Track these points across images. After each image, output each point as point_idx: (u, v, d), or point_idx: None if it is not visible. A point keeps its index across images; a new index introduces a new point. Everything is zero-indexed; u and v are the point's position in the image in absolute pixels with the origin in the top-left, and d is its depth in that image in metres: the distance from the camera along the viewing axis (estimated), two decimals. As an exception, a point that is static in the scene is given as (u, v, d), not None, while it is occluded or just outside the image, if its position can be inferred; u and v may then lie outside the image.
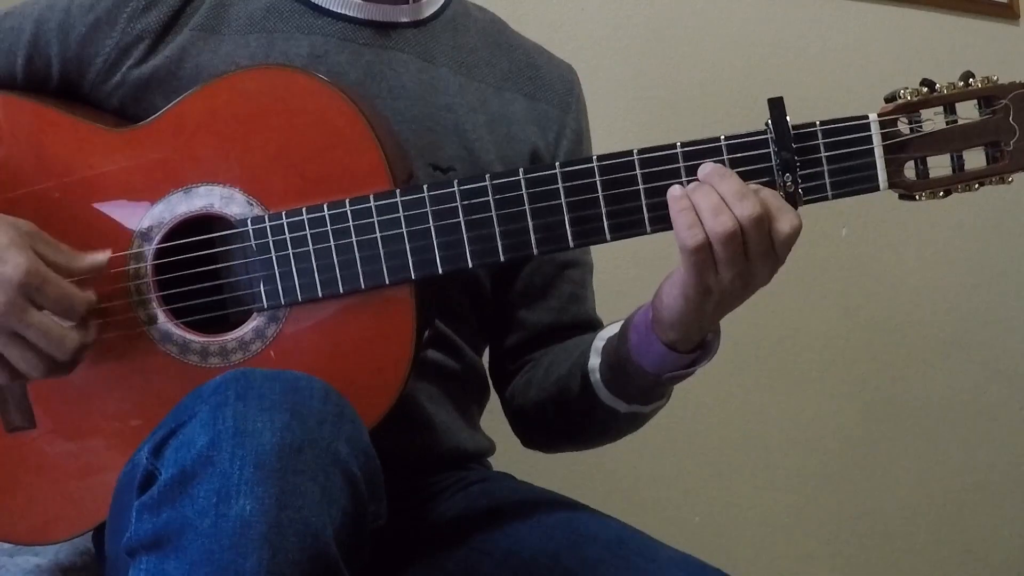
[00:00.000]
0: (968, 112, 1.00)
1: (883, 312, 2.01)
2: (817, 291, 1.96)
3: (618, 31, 1.83)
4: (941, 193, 1.00)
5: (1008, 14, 2.06)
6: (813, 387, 1.98)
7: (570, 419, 1.16)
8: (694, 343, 1.02)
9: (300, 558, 0.80)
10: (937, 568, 2.07)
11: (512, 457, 1.27)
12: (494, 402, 1.27)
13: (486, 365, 1.26)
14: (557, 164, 0.98)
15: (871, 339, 2.01)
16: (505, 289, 1.21)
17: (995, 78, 0.99)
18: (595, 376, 1.10)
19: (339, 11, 1.14)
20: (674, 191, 0.95)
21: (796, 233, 0.94)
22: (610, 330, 1.11)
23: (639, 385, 1.07)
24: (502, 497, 1.15)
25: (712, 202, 0.93)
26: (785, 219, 0.94)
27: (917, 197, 1.00)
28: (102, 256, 1.00)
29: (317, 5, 1.14)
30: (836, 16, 1.95)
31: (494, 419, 1.27)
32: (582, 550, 1.03)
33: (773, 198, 0.94)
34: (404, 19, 1.16)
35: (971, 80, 0.99)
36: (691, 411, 1.84)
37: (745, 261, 0.94)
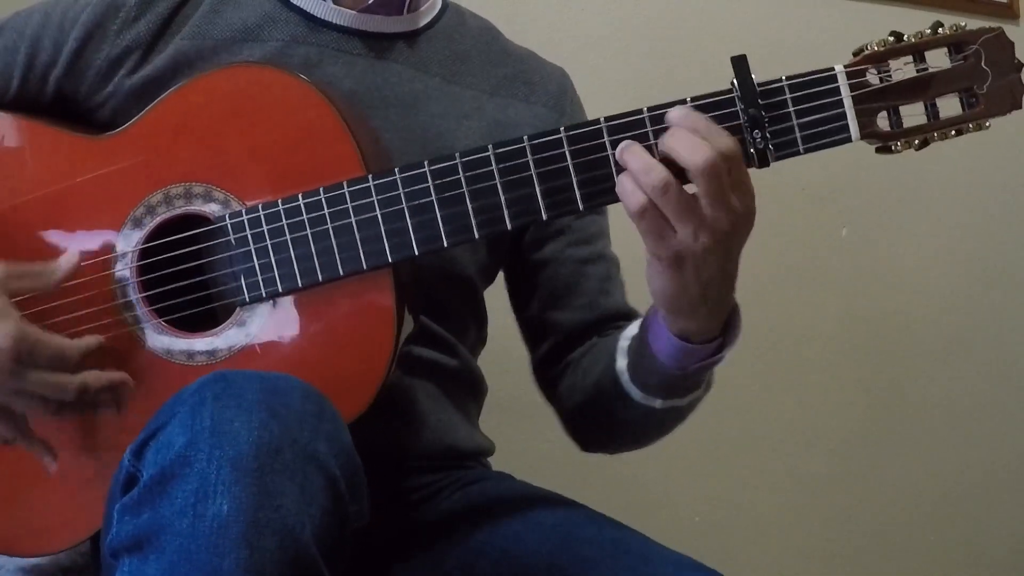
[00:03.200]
0: (939, 61, 0.99)
1: (883, 312, 2.01)
2: (817, 291, 1.96)
3: (618, 31, 1.85)
4: (917, 142, 0.99)
5: (1008, 14, 2.06)
6: (813, 387, 1.97)
7: (613, 420, 1.14)
8: (710, 333, 0.99)
9: (279, 558, 0.79)
10: (937, 568, 2.05)
11: (511, 457, 1.26)
12: (494, 403, 1.27)
13: (482, 366, 1.26)
14: (525, 137, 0.97)
15: (871, 339, 2.00)
16: (530, 297, 1.21)
17: (964, 24, 0.98)
18: (624, 377, 1.08)
19: (334, 22, 1.15)
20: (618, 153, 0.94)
21: (731, 156, 0.90)
22: (632, 329, 1.09)
23: (665, 380, 1.04)
24: (500, 497, 1.14)
25: (642, 162, 0.91)
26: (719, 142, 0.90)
27: (893, 148, 0.98)
28: (72, 258, 1.03)
29: (312, 15, 1.15)
30: (836, 16, 1.95)
31: (494, 419, 1.26)
32: (579, 552, 1.02)
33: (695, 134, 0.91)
34: (398, 30, 1.18)
35: (940, 28, 0.98)
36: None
37: (694, 209, 0.90)
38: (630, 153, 0.93)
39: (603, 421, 1.16)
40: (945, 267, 2.04)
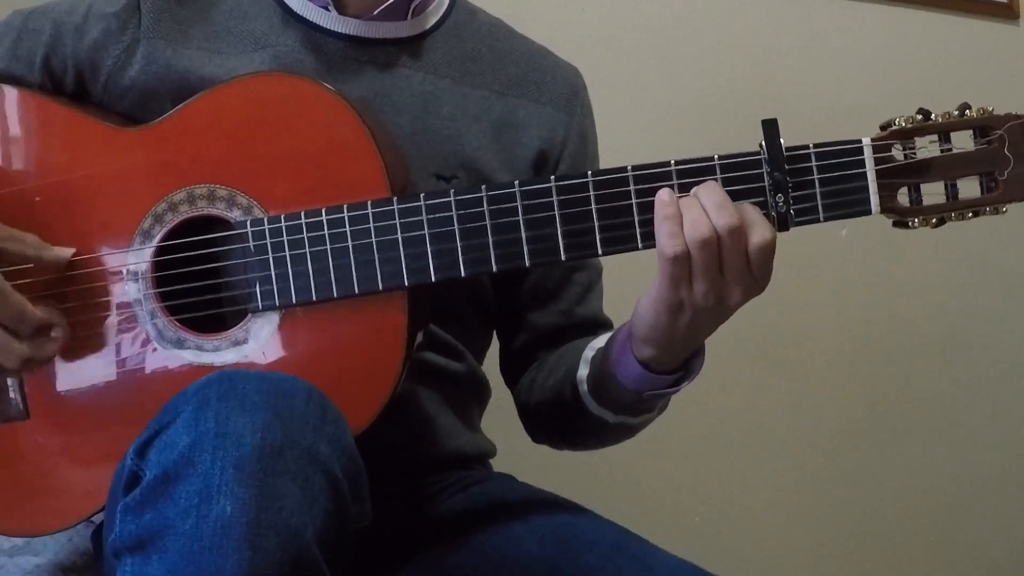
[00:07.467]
0: (964, 142, 1.01)
1: (883, 312, 2.00)
2: (817, 291, 1.95)
3: (617, 32, 1.84)
4: (934, 220, 1.01)
5: (1008, 14, 2.03)
6: (813, 387, 1.98)
7: (564, 424, 1.18)
8: (670, 365, 1.03)
9: (281, 559, 0.81)
10: (937, 568, 2.05)
11: (513, 458, 1.28)
12: (495, 404, 1.28)
13: (486, 371, 1.27)
14: (552, 178, 0.99)
15: (871, 339, 2.00)
16: (515, 292, 1.23)
17: (991, 109, 1.00)
18: (583, 387, 1.11)
19: (340, 31, 1.15)
20: (662, 195, 0.96)
21: (768, 246, 0.95)
22: (600, 341, 1.12)
23: (621, 399, 1.08)
24: (501, 499, 1.16)
25: (693, 213, 0.94)
26: (758, 231, 0.94)
27: (910, 224, 1.01)
28: (66, 251, 1.04)
29: (318, 25, 1.15)
30: (836, 16, 1.95)
31: (495, 420, 1.28)
32: (578, 556, 1.04)
33: (752, 212, 0.95)
34: (404, 34, 1.18)
35: (967, 111, 1.00)
36: (691, 411, 1.82)
37: (719, 273, 0.95)
38: (705, 190, 0.96)
39: (556, 421, 1.19)
40: (945, 267, 2.02)
